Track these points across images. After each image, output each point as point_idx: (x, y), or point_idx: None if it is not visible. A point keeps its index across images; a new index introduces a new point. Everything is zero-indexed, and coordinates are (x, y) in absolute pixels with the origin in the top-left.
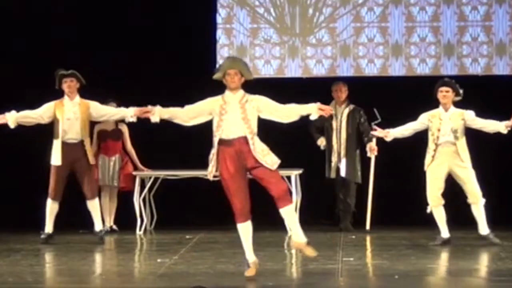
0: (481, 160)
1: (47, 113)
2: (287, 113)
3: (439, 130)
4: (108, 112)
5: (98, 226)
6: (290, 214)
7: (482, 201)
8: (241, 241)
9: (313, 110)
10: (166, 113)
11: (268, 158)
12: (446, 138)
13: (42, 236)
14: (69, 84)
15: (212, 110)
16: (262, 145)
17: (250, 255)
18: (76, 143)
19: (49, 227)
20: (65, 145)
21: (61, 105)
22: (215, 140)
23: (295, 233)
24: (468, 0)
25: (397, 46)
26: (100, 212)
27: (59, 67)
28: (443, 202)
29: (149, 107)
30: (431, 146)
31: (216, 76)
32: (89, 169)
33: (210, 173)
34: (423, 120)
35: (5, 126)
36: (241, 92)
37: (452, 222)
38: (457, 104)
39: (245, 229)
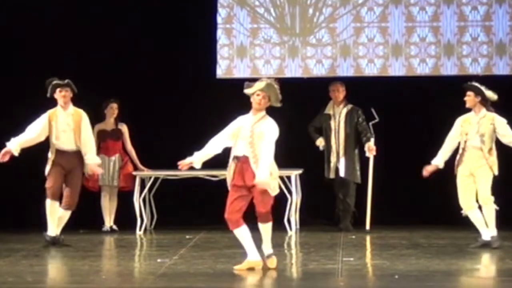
0: None
1: (44, 132)
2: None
3: (466, 134)
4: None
5: (54, 232)
6: (266, 230)
7: (491, 205)
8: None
9: None
10: (204, 157)
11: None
12: (472, 142)
13: (47, 238)
14: (64, 95)
15: (237, 132)
16: (272, 170)
17: (254, 253)
18: (72, 152)
19: (52, 230)
20: (59, 153)
21: (55, 116)
22: (231, 158)
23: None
24: (468, 0)
25: (397, 46)
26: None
27: (60, 68)
28: (476, 204)
29: (188, 160)
30: (459, 150)
31: (247, 91)
32: (79, 180)
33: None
34: (457, 126)
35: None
36: (259, 115)
37: (451, 223)
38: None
39: (240, 233)
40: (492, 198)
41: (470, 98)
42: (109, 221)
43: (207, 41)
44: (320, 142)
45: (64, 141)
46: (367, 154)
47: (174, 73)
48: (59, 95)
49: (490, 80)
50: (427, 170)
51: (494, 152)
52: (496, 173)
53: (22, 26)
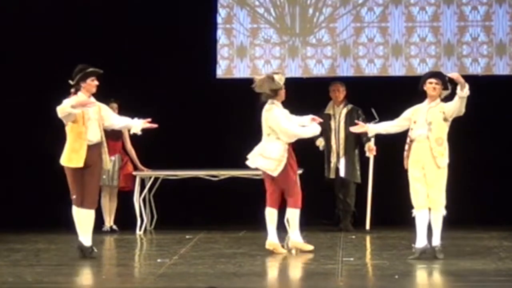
0: (481, 158)
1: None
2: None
3: (415, 122)
4: (114, 120)
5: (88, 241)
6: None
7: (442, 211)
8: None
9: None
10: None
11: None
12: (420, 131)
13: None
14: (97, 84)
15: None
16: (277, 152)
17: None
18: (97, 144)
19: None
20: (88, 146)
21: None
22: None
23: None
24: (468, 0)
25: (397, 46)
26: (93, 225)
27: (60, 69)
28: (427, 205)
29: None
30: (407, 140)
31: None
32: (99, 175)
33: None
34: (408, 115)
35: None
36: (266, 106)
37: (452, 222)
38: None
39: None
40: (443, 203)
41: (438, 87)
42: (109, 221)
43: (207, 41)
44: (320, 142)
45: (90, 131)
46: (367, 154)
47: (174, 73)
48: (91, 84)
49: (490, 80)
50: (355, 127)
51: (444, 143)
52: (441, 166)
53: (21, 27)
